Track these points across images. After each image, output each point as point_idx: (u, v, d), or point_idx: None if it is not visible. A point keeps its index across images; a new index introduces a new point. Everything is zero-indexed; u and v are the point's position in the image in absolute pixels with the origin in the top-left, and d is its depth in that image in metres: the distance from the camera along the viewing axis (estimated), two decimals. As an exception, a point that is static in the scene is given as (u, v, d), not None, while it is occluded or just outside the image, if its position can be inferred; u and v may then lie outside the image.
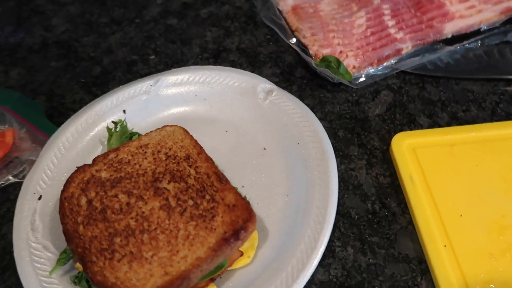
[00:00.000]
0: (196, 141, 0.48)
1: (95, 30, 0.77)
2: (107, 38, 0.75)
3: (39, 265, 0.44)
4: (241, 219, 0.40)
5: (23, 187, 0.50)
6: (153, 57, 0.71)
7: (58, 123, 0.60)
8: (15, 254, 0.45)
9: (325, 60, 0.60)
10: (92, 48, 0.74)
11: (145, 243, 0.39)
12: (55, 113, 0.64)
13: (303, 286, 0.41)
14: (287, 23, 0.69)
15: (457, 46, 0.64)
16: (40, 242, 0.46)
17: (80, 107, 0.63)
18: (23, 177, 0.56)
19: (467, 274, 0.42)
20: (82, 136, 0.56)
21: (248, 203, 0.42)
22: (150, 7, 0.80)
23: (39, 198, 0.49)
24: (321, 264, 0.45)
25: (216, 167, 0.45)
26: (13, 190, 0.55)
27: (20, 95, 0.65)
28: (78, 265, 0.44)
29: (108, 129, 0.54)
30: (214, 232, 0.39)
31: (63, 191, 0.43)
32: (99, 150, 0.56)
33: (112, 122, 0.54)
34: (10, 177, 0.55)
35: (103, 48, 0.73)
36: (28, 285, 0.43)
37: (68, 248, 0.43)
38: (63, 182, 0.50)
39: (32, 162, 0.56)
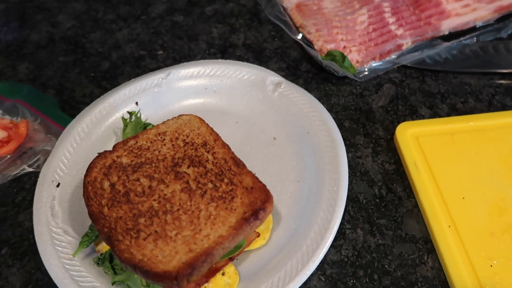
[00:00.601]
0: (212, 128, 0.50)
1: (101, 27, 0.78)
2: (114, 34, 0.77)
3: (60, 249, 0.45)
4: (259, 200, 0.42)
5: (41, 175, 0.51)
6: (161, 52, 0.72)
7: (70, 116, 0.61)
8: (37, 239, 0.46)
9: (330, 54, 0.62)
10: (99, 44, 0.75)
11: (169, 223, 0.40)
12: (66, 106, 0.65)
13: (317, 264, 0.43)
14: (292, 20, 0.72)
15: (454, 42, 0.67)
16: (60, 227, 0.47)
17: (91, 100, 0.64)
18: (38, 167, 0.57)
19: (471, 252, 0.45)
20: (97, 127, 0.57)
21: (264, 185, 0.44)
22: (156, 4, 0.82)
23: (58, 186, 0.51)
24: (332, 245, 0.48)
25: (232, 153, 0.47)
26: (28, 180, 0.56)
27: (30, 87, 0.66)
28: (99, 247, 0.45)
29: (123, 119, 0.55)
30: (234, 212, 0.41)
31: (86, 176, 0.44)
32: (113, 140, 0.57)
33: (128, 112, 0.56)
34: (26, 167, 0.56)
35: (110, 44, 0.75)
36: (51, 267, 0.44)
37: (90, 232, 0.45)
38: (80, 170, 0.52)
39: (46, 152, 0.57)
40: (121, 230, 0.40)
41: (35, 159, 0.57)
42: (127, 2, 0.83)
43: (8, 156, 0.57)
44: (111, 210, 0.41)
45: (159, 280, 0.37)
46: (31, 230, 0.51)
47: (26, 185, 0.56)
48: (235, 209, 0.42)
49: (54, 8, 0.83)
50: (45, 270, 0.47)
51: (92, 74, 0.70)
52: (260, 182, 0.44)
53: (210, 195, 0.43)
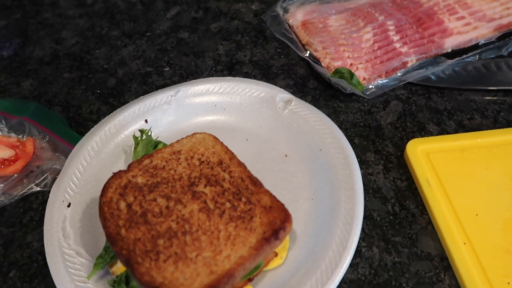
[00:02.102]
0: (226, 147, 0.49)
1: (106, 43, 0.78)
2: (119, 51, 0.76)
3: (73, 271, 0.44)
4: (279, 220, 0.42)
5: (51, 195, 0.51)
6: (167, 69, 0.72)
7: (78, 133, 0.61)
8: (48, 261, 0.45)
9: (339, 72, 0.63)
10: (105, 60, 0.75)
11: (188, 244, 0.40)
12: (73, 123, 0.64)
13: (337, 283, 0.43)
14: (298, 37, 0.73)
15: (458, 60, 0.68)
16: (72, 249, 0.46)
17: (98, 117, 0.64)
18: (45, 186, 0.56)
19: (488, 269, 0.45)
20: (106, 145, 0.56)
21: (283, 204, 0.43)
22: (160, 21, 0.82)
23: (68, 206, 0.50)
24: (349, 264, 0.47)
25: (249, 171, 0.47)
26: (35, 199, 0.55)
27: (37, 105, 0.65)
28: (114, 269, 0.44)
29: (135, 137, 0.55)
30: (254, 232, 0.41)
31: (101, 196, 0.44)
32: (123, 158, 0.57)
33: (139, 130, 0.55)
34: (33, 186, 0.55)
35: (116, 60, 0.75)
36: (64, 290, 0.43)
37: (104, 253, 0.44)
38: (91, 189, 0.52)
39: (54, 171, 0.56)
40: (140, 252, 0.39)
41: (43, 177, 0.56)
42: (131, 19, 0.83)
43: (15, 175, 0.56)
44: (129, 231, 0.41)
45: (181, 304, 0.37)
46: (40, 252, 0.50)
47: (34, 205, 0.55)
48: (254, 229, 0.41)
49: (57, 24, 0.83)
50: (57, 292, 0.46)
51: (98, 91, 0.69)
52: (278, 201, 0.44)
53: (228, 215, 0.42)
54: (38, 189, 0.56)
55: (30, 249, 0.51)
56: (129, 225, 0.41)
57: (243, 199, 0.44)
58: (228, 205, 0.43)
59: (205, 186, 0.45)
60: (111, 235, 0.41)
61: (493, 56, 0.69)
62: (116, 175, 0.46)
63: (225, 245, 0.40)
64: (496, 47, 0.70)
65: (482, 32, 0.71)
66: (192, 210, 0.43)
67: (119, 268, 0.44)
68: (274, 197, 0.44)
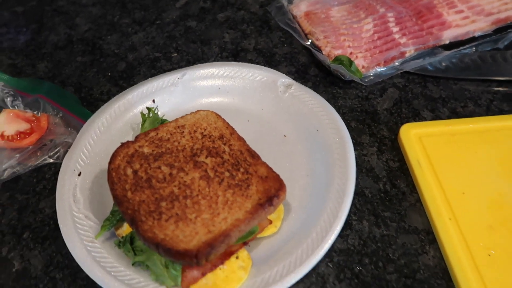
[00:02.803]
0: (228, 123, 0.53)
1: (117, 30, 0.82)
2: (130, 37, 0.80)
3: (82, 232, 0.48)
4: (273, 188, 0.45)
5: (63, 165, 0.54)
6: (175, 54, 0.76)
7: (90, 111, 0.64)
8: (60, 223, 0.49)
9: (338, 59, 0.66)
10: (116, 45, 0.79)
11: (189, 206, 0.43)
12: (84, 103, 0.68)
13: (326, 251, 0.45)
14: (301, 27, 0.76)
15: (454, 51, 0.71)
16: (82, 212, 0.50)
17: (108, 98, 0.67)
18: (58, 158, 0.60)
19: (470, 242, 0.47)
20: (116, 121, 0.60)
21: (278, 175, 0.46)
22: (170, 10, 0.85)
23: (79, 175, 0.53)
24: (340, 235, 0.50)
25: (248, 145, 0.50)
26: (48, 170, 0.59)
27: (51, 84, 0.69)
28: (119, 231, 0.48)
29: (142, 114, 0.58)
30: (250, 198, 0.44)
31: (110, 163, 0.47)
32: (131, 135, 0.60)
33: (147, 108, 0.59)
34: (47, 158, 0.59)
35: (126, 46, 0.78)
36: (74, 249, 0.46)
37: (111, 216, 0.48)
38: (100, 161, 0.55)
39: (66, 144, 0.60)
40: (144, 212, 0.43)
41: (56, 150, 0.60)
42: (142, 7, 0.87)
43: (30, 147, 0.59)
44: (134, 194, 0.44)
45: (179, 258, 0.40)
46: (51, 217, 0.54)
47: (47, 175, 0.58)
48: (250, 196, 0.44)
49: (71, 12, 0.87)
50: (66, 253, 0.50)
51: (109, 74, 0.73)
52: (274, 172, 0.47)
53: (227, 183, 0.45)
54: (51, 160, 0.59)
55: (42, 214, 0.54)
56: (135, 189, 0.45)
57: (241, 170, 0.47)
58: (227, 174, 0.46)
59: (206, 157, 0.48)
60: (118, 197, 0.44)
61: (489, 48, 0.72)
62: (124, 145, 0.49)
63: (222, 208, 0.43)
64: (493, 40, 0.72)
65: (480, 26, 0.73)
66: (193, 177, 0.46)
67: (124, 230, 0.48)
68: (271, 169, 0.47)
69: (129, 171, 0.46)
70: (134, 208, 0.43)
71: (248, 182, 0.46)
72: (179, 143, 0.49)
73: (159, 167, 0.47)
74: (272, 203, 0.44)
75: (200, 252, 0.39)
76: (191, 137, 0.50)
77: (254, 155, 0.48)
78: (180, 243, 0.40)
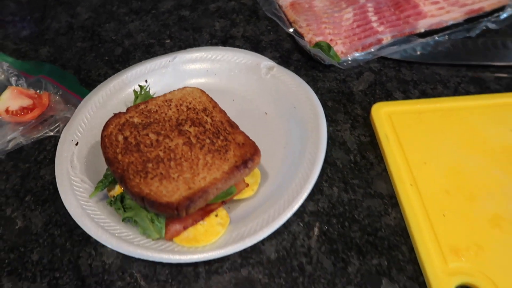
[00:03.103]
0: (211, 98, 0.58)
1: (115, 18, 0.87)
2: (126, 25, 0.86)
3: (78, 193, 0.53)
4: (249, 153, 0.50)
5: (62, 135, 0.60)
6: (168, 41, 0.81)
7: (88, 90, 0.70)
8: (58, 185, 0.54)
9: (318, 45, 0.71)
10: (113, 32, 0.84)
11: (172, 167, 0.48)
12: (83, 84, 0.73)
13: (296, 208, 0.50)
14: (286, 16, 0.81)
15: (429, 39, 0.76)
16: (78, 177, 0.55)
17: (105, 79, 0.72)
18: (58, 132, 0.65)
19: (427, 205, 0.52)
20: (111, 99, 0.65)
21: (254, 142, 0.52)
22: (165, 1, 0.91)
23: (76, 144, 0.59)
24: (311, 199, 0.55)
25: (228, 117, 0.55)
26: (49, 142, 0.65)
27: (52, 66, 0.75)
28: (111, 193, 0.53)
29: (135, 91, 0.63)
30: (227, 161, 0.49)
31: (103, 131, 0.53)
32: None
33: (139, 86, 0.64)
34: (48, 131, 0.64)
35: (123, 33, 0.84)
36: (71, 207, 0.52)
37: (104, 179, 0.53)
38: (95, 134, 0.61)
39: (66, 120, 0.65)
40: (132, 171, 0.48)
41: (56, 125, 0.65)
42: (139, -2, 0.92)
43: (32, 121, 0.65)
44: (124, 156, 0.49)
45: (162, 210, 0.45)
46: (51, 183, 0.59)
47: (47, 147, 0.64)
48: (228, 159, 0.50)
49: (72, 1, 0.93)
50: (63, 213, 0.55)
51: (107, 58, 0.78)
52: (251, 140, 0.52)
53: (207, 148, 0.51)
54: (52, 134, 0.65)
55: (43, 180, 0.60)
56: (125, 152, 0.50)
57: (221, 137, 0.52)
58: (208, 141, 0.52)
59: (190, 126, 0.53)
60: (110, 159, 0.49)
61: (461, 37, 0.76)
62: (116, 115, 0.54)
63: (202, 169, 0.48)
64: (465, 29, 0.77)
65: (454, 16, 0.78)
66: (177, 143, 0.51)
67: (115, 191, 0.53)
68: (247, 137, 0.52)
69: (120, 137, 0.52)
70: (124, 168, 0.48)
71: (227, 148, 0.51)
72: (166, 114, 0.55)
73: (147, 134, 0.52)
74: (247, 166, 0.49)
75: (180, 204, 0.45)
76: (177, 109, 0.55)
77: (233, 125, 0.54)
78: (163, 197, 0.45)
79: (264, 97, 0.66)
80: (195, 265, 0.50)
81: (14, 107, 0.64)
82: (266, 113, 0.65)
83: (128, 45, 0.81)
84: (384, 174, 0.58)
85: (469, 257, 0.48)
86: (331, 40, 0.74)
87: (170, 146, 0.51)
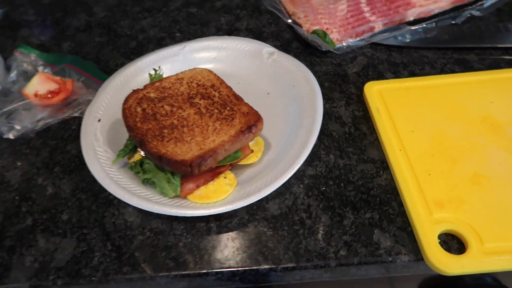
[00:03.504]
0: (218, 76, 0.65)
1: (130, 16, 0.95)
2: (140, 22, 0.93)
3: (102, 161, 0.60)
4: (253, 120, 0.57)
5: (86, 112, 0.66)
6: (178, 34, 0.89)
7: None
8: (84, 154, 0.61)
9: (315, 32, 0.78)
10: (128, 28, 0.92)
11: (185, 132, 0.55)
12: (102, 71, 0.80)
13: (295, 170, 0.56)
14: (285, 9, 0.88)
15: (417, 26, 0.82)
16: (101, 147, 0.62)
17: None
18: (81, 113, 0.72)
19: (415, 166, 0.58)
20: (128, 82, 0.72)
21: (257, 111, 0.58)
22: (174, 0, 0.99)
23: (99, 121, 0.66)
24: (310, 164, 0.62)
25: (234, 91, 0.62)
26: (73, 122, 0.71)
27: (74, 56, 0.82)
28: (131, 160, 0.60)
29: (150, 74, 0.70)
30: (233, 127, 0.56)
31: (123, 104, 0.59)
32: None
33: (153, 69, 0.71)
34: (72, 112, 0.71)
35: (137, 28, 0.91)
36: (96, 173, 0.58)
37: (125, 147, 0.60)
38: (115, 113, 0.67)
39: (88, 102, 0.72)
40: (150, 136, 0.55)
41: (79, 107, 0.72)
42: (151, -2, 1.00)
43: (59, 104, 0.72)
44: (143, 124, 0.56)
45: (178, 167, 0.52)
46: (76, 156, 0.66)
47: (72, 126, 0.71)
48: (234, 125, 0.56)
49: (90, 2, 1.01)
50: (89, 181, 0.62)
51: (123, 50, 0.86)
52: (254, 109, 0.59)
53: (216, 117, 0.57)
54: (76, 115, 0.72)
55: (69, 154, 0.67)
56: (143, 121, 0.57)
57: (228, 108, 0.59)
58: (216, 111, 0.58)
59: (200, 99, 0.60)
60: (130, 126, 0.56)
61: (447, 24, 0.83)
62: (135, 91, 0.61)
63: (212, 134, 0.55)
64: (451, 17, 0.84)
65: (441, 5, 0.85)
66: (189, 113, 0.58)
67: (135, 158, 0.60)
68: (251, 107, 0.59)
69: (138, 109, 0.58)
70: (143, 133, 0.55)
71: (233, 116, 0.57)
72: (178, 90, 0.61)
73: (162, 106, 0.59)
74: (251, 130, 0.55)
75: (193, 162, 0.51)
76: (188, 86, 0.62)
77: (238, 98, 0.60)
78: (178, 156, 0.52)
79: (266, 79, 0.73)
80: (207, 220, 0.56)
81: (42, 91, 0.71)
82: (268, 93, 0.71)
83: (141, 39, 0.88)
84: (376, 143, 0.64)
85: (451, 209, 0.54)
86: (327, 28, 0.81)
87: (183, 115, 0.57)
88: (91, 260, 0.54)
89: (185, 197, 0.56)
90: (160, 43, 0.87)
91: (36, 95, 0.71)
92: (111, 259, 0.54)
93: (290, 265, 0.52)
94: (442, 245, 0.51)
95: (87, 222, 0.58)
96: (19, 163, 0.66)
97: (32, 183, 0.63)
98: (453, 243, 0.52)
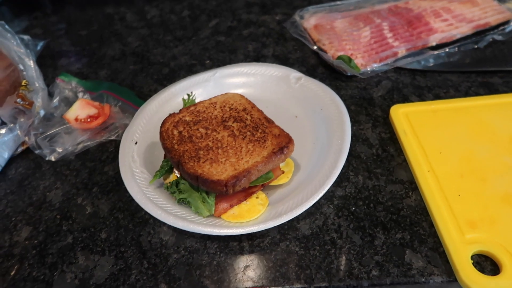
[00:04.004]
0: (250, 100, 0.68)
1: (162, 45, 1.01)
2: (171, 50, 0.98)
3: (139, 181, 0.63)
4: (284, 142, 0.59)
5: (124, 136, 0.70)
6: (208, 61, 0.93)
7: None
8: (122, 175, 0.64)
9: (340, 57, 0.81)
10: (160, 56, 0.97)
11: (220, 154, 0.58)
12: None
13: (325, 191, 0.58)
14: (310, 36, 0.91)
15: (440, 51, 0.84)
16: (138, 168, 0.65)
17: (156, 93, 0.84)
18: (118, 136, 0.76)
19: (444, 187, 0.59)
20: (162, 107, 0.76)
21: (288, 134, 0.60)
22: (204, 29, 1.04)
23: (135, 143, 0.69)
24: (339, 186, 0.63)
25: (265, 115, 0.64)
26: (110, 145, 0.75)
27: (111, 83, 0.87)
28: (167, 180, 0.63)
29: (183, 99, 0.74)
30: (266, 149, 0.58)
31: (161, 127, 0.63)
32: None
33: (187, 94, 0.75)
34: (110, 136, 0.75)
35: (169, 56, 0.96)
36: (134, 193, 0.61)
37: (161, 169, 0.62)
38: (151, 136, 0.71)
39: (124, 126, 0.76)
40: (187, 157, 0.57)
41: (116, 131, 0.76)
42: (181, 27, 1.06)
43: (97, 127, 0.76)
44: (180, 146, 0.59)
45: (213, 187, 0.54)
46: (114, 177, 0.69)
47: (110, 149, 0.75)
48: (266, 147, 0.59)
49: (124, 33, 1.07)
50: (126, 200, 0.65)
51: (156, 77, 0.90)
52: (285, 132, 0.61)
53: (249, 139, 0.60)
54: (113, 138, 0.76)
55: (107, 175, 0.70)
56: (180, 143, 0.60)
57: (260, 130, 0.61)
58: (248, 133, 0.61)
59: (233, 122, 0.63)
60: (168, 148, 0.59)
61: (470, 48, 0.85)
62: (171, 115, 0.65)
63: (245, 155, 0.57)
64: (474, 41, 0.86)
65: (462, 30, 0.87)
66: (223, 135, 0.61)
67: (170, 179, 0.62)
68: (282, 130, 0.61)
69: (175, 132, 0.62)
70: (180, 155, 0.58)
71: (265, 138, 0.60)
72: (212, 113, 0.65)
73: (198, 129, 0.62)
74: (283, 152, 0.58)
75: (228, 181, 0.53)
76: (221, 109, 0.65)
77: (269, 120, 0.63)
78: (214, 176, 0.54)
79: (294, 103, 0.76)
80: (239, 240, 0.58)
81: (82, 116, 0.76)
82: (296, 116, 0.74)
83: (173, 66, 0.93)
84: (404, 164, 0.65)
85: (483, 229, 0.54)
86: (351, 54, 0.84)
87: (217, 138, 0.60)
88: (128, 277, 0.56)
89: (219, 217, 0.58)
90: (191, 70, 0.91)
91: (76, 119, 0.76)
92: (147, 277, 0.56)
93: (323, 284, 0.53)
94: (475, 266, 0.51)
95: (124, 241, 0.60)
96: (60, 184, 0.70)
97: (72, 202, 0.66)
98: (486, 264, 0.52)
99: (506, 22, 0.88)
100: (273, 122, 0.63)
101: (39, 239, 0.62)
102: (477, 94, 0.75)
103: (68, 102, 0.81)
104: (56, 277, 0.57)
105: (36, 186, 0.69)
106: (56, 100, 0.80)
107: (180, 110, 0.66)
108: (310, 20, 0.95)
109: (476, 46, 0.85)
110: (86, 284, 0.55)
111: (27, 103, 0.74)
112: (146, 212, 0.62)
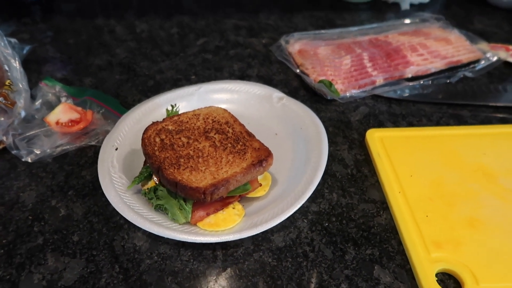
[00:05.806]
0: (233, 115, 0.69)
1: (149, 58, 1.02)
2: (158, 64, 1.00)
3: (117, 186, 0.63)
4: (263, 155, 0.61)
5: (105, 141, 0.70)
6: (193, 77, 0.95)
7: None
8: (101, 179, 0.64)
9: (321, 82, 0.84)
10: (147, 69, 0.98)
11: (200, 163, 0.59)
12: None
13: (300, 205, 0.59)
14: (294, 60, 0.95)
15: (415, 83, 0.89)
16: (117, 174, 0.65)
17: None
18: (98, 142, 0.76)
19: (413, 208, 0.61)
20: (145, 117, 0.77)
21: (268, 148, 0.62)
22: (191, 46, 1.07)
23: (116, 149, 0.69)
24: (314, 201, 0.65)
25: (246, 129, 0.66)
26: (90, 150, 0.75)
27: (95, 90, 0.88)
28: (145, 187, 0.63)
29: (167, 110, 0.75)
30: (245, 160, 0.60)
31: (143, 134, 0.64)
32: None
33: (170, 105, 0.76)
34: (90, 141, 0.75)
35: (155, 69, 0.98)
36: (111, 197, 0.61)
37: (140, 175, 0.63)
38: (132, 143, 0.72)
39: (106, 132, 0.76)
40: (167, 164, 0.58)
41: (97, 137, 0.76)
42: (170, 43, 1.08)
43: (78, 132, 0.76)
44: (161, 153, 0.60)
45: (191, 194, 0.55)
46: (91, 181, 0.69)
47: (89, 154, 0.75)
48: (246, 159, 0.60)
49: (113, 45, 1.09)
50: (101, 205, 0.65)
51: (141, 88, 0.92)
52: (265, 146, 0.63)
53: (229, 150, 0.61)
54: (93, 143, 0.76)
55: (84, 180, 0.70)
56: (161, 150, 0.61)
57: (240, 143, 0.63)
58: (229, 145, 0.62)
59: (215, 134, 0.64)
60: (149, 154, 0.60)
61: (442, 82, 0.90)
62: (154, 123, 0.66)
63: (225, 165, 0.59)
64: (446, 76, 0.91)
65: (436, 65, 0.93)
66: (204, 145, 0.62)
67: (148, 185, 0.63)
68: (262, 144, 0.63)
69: (157, 139, 0.63)
70: (160, 161, 0.59)
71: (245, 150, 0.62)
72: (195, 124, 0.66)
73: (180, 138, 0.63)
74: (262, 165, 0.59)
75: (207, 189, 0.54)
76: (204, 121, 0.67)
77: (250, 134, 0.65)
78: (193, 183, 0.55)
79: (275, 121, 0.78)
80: (213, 248, 0.59)
81: (63, 119, 0.76)
82: (276, 134, 0.76)
83: (159, 79, 0.94)
84: (376, 184, 0.68)
85: (448, 249, 0.56)
86: (332, 79, 0.88)
87: (198, 147, 0.61)
88: (98, 281, 0.55)
89: (195, 224, 0.58)
90: (176, 84, 0.93)
91: (57, 123, 0.76)
92: (118, 281, 0.55)
93: (293, 296, 0.54)
94: (439, 283, 0.53)
95: (97, 244, 0.60)
96: (34, 185, 0.69)
97: (45, 204, 0.65)
98: (450, 282, 0.54)
99: (476, 61, 0.94)
100: (254, 136, 0.65)
101: (8, 239, 0.60)
102: (447, 124, 0.80)
103: (51, 106, 0.81)
104: (23, 277, 0.56)
105: (10, 186, 0.68)
106: (38, 103, 0.80)
107: (164, 119, 0.67)
108: (295, 45, 0.99)
109: (448, 81, 0.90)
110: (53, 286, 0.54)
111: (9, 102, 0.73)
112: (121, 217, 0.62)
